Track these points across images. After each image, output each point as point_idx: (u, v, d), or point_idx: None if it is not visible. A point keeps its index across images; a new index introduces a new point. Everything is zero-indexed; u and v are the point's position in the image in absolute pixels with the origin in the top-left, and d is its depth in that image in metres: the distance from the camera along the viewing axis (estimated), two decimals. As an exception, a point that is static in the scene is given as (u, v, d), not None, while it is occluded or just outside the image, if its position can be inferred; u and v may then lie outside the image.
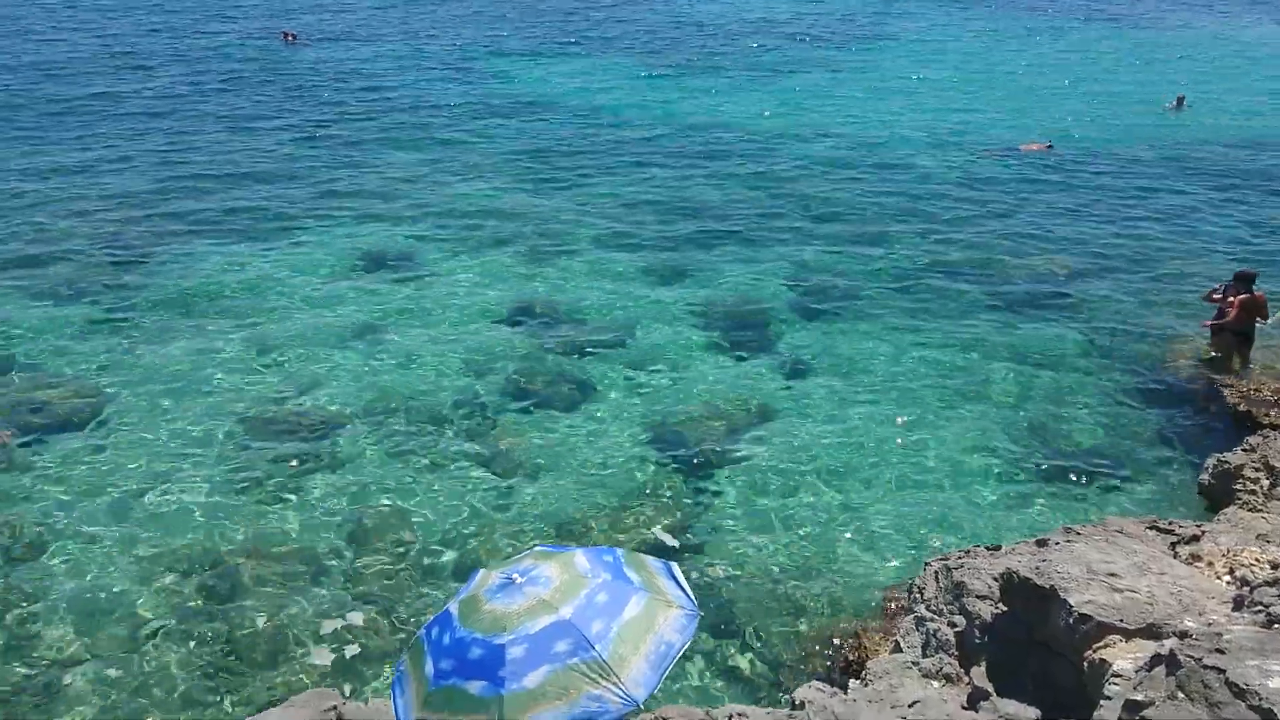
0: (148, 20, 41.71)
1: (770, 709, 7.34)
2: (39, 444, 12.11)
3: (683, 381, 13.79)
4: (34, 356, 14.16)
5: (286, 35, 37.69)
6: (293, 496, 11.23)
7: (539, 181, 22.20)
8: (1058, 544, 7.52)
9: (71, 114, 27.05)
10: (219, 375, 13.69)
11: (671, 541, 10.44)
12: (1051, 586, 6.72)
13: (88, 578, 9.95)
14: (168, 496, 11.17)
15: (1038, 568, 6.98)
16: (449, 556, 10.33)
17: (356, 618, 9.48)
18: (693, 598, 5.28)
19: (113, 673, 8.82)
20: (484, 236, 18.85)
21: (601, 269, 17.48)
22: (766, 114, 28.58)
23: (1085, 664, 6.37)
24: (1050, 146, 25.25)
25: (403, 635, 9.23)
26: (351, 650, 9.13)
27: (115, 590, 9.78)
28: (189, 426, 12.48)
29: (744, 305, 16.04)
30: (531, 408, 13.06)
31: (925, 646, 7.73)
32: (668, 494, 11.33)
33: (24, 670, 8.86)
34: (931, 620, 7.86)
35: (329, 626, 9.37)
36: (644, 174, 22.83)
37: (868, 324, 15.47)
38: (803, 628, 9.40)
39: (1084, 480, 11.71)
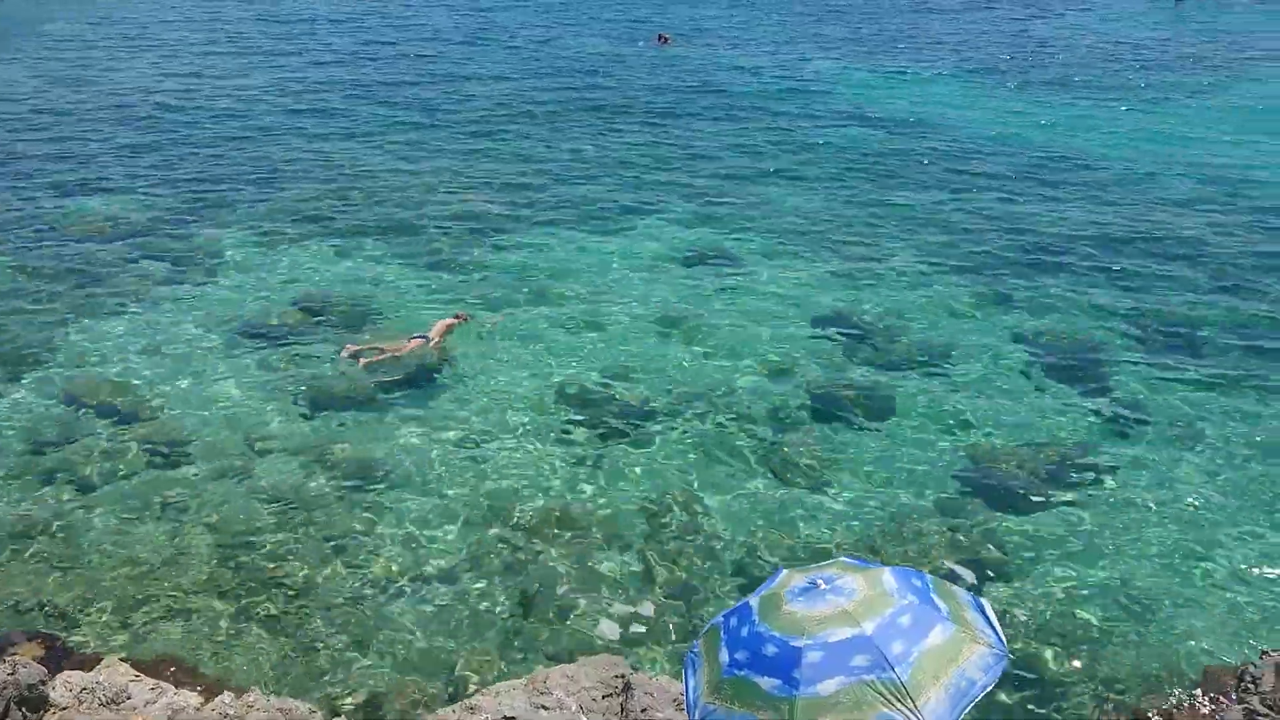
0: (531, 22, 45.28)
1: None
2: (384, 390, 13.49)
3: (997, 413, 13.11)
4: (392, 311, 15.80)
5: (661, 37, 39.80)
6: (600, 473, 11.81)
7: (865, 193, 21.90)
8: None
9: (450, 94, 29.96)
10: (547, 347, 14.66)
11: (968, 576, 10.00)
12: None
13: (413, 514, 11.00)
14: (488, 456, 12.09)
15: None
16: (739, 554, 10.45)
17: (645, 597, 9.84)
18: (1003, 637, 5.03)
19: (426, 609, 9.69)
20: (804, 242, 18.88)
21: (921, 286, 16.98)
22: (1120, 141, 26.49)
23: None
24: None
25: (686, 619, 9.48)
26: (635, 627, 9.48)
27: (435, 531, 10.74)
28: (513, 395, 13.43)
29: (1076, 343, 14.98)
30: (836, 419, 12.94)
31: (1255, 743, 6.92)
32: (970, 527, 10.85)
33: (345, 585, 9.94)
34: (1265, 716, 7.02)
35: (617, 600, 9.79)
36: (974, 192, 21.91)
37: (1219, 382, 13.89)
38: (1105, 694, 8.70)
39: None
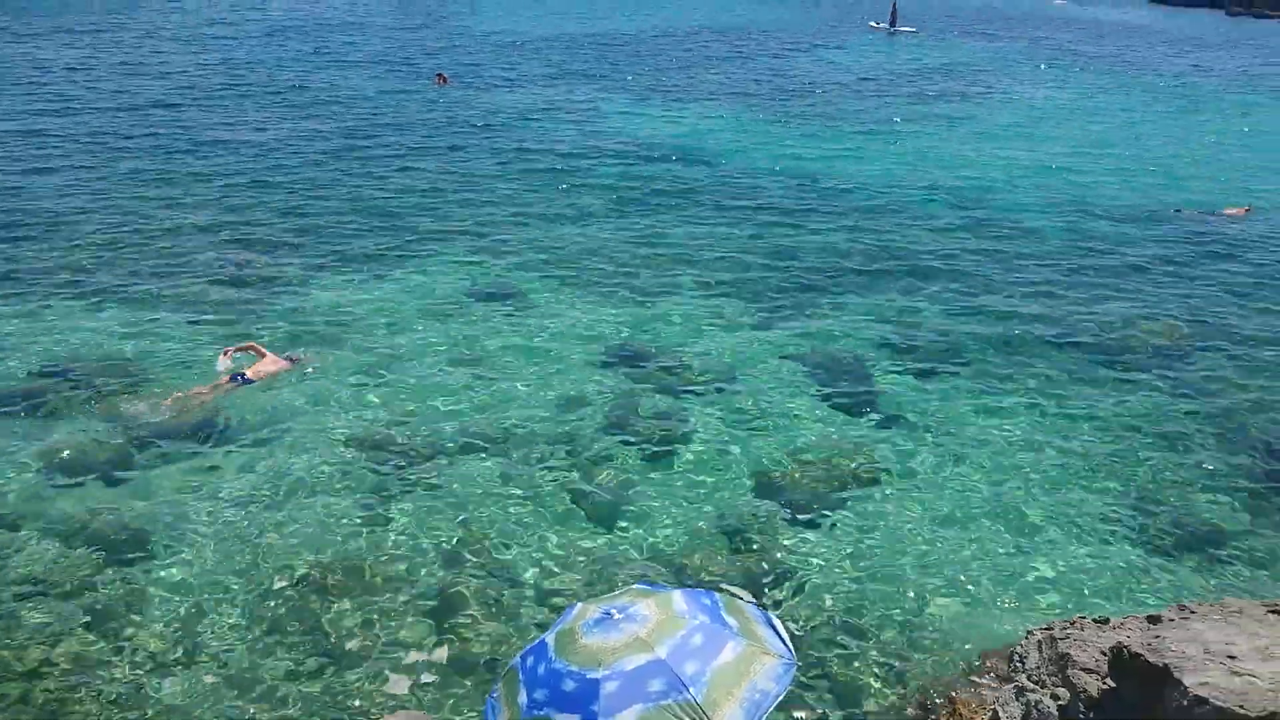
0: (307, 58, 43.88)
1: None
2: (158, 450, 12.62)
3: (780, 430, 13.67)
4: (155, 369, 14.78)
5: (439, 77, 39.52)
6: (391, 519, 11.44)
7: (644, 226, 22.45)
8: (1172, 621, 7.19)
9: (208, 144, 28.52)
10: (328, 396, 14.10)
11: (756, 591, 10.31)
12: (1165, 665, 6.41)
13: (191, 581, 10.27)
14: (273, 510, 11.50)
15: (1150, 644, 6.68)
16: (539, 588, 10.37)
17: (444, 643, 9.58)
18: (791, 648, 5.21)
19: (207, 678, 9.05)
20: (588, 275, 19.12)
21: (703, 313, 17.52)
22: (874, 164, 28.46)
23: (1200, 750, 6.05)
24: (1249, 210, 24.74)
25: (488, 663, 9.29)
26: (437, 673, 9.21)
27: (217, 596, 10.08)
28: (298, 445, 12.85)
29: (846, 358, 15.88)
30: (627, 448, 13.09)
31: (1025, 718, 7.45)
32: (756, 542, 11.19)
33: (117, 667, 9.15)
34: (1033, 691, 7.58)
35: (417, 648, 9.48)
36: (748, 221, 22.91)
37: (973, 383, 15.14)
38: (893, 688, 9.16)
39: (1198, 557, 11.21)
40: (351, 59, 44.36)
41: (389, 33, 53.68)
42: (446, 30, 55.68)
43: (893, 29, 62.95)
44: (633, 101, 37.38)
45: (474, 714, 8.49)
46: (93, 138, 28.72)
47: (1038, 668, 7.85)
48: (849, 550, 11.13)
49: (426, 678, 9.15)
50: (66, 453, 12.49)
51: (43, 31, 47.60)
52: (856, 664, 9.40)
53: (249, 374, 14.25)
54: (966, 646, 9.67)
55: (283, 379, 14.43)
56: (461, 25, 58.39)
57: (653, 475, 12.50)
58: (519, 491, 12.04)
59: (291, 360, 14.75)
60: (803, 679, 8.95)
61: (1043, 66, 49.54)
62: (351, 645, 9.47)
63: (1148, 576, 10.91)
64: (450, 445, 13.00)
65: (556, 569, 10.66)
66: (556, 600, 10.05)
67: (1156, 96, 42.18)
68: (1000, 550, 11.22)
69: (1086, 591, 10.61)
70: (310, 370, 14.75)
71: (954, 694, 8.82)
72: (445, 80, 39.54)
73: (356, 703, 8.83)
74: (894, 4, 66.10)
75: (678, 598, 5.31)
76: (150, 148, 27.88)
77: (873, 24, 65.41)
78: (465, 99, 36.70)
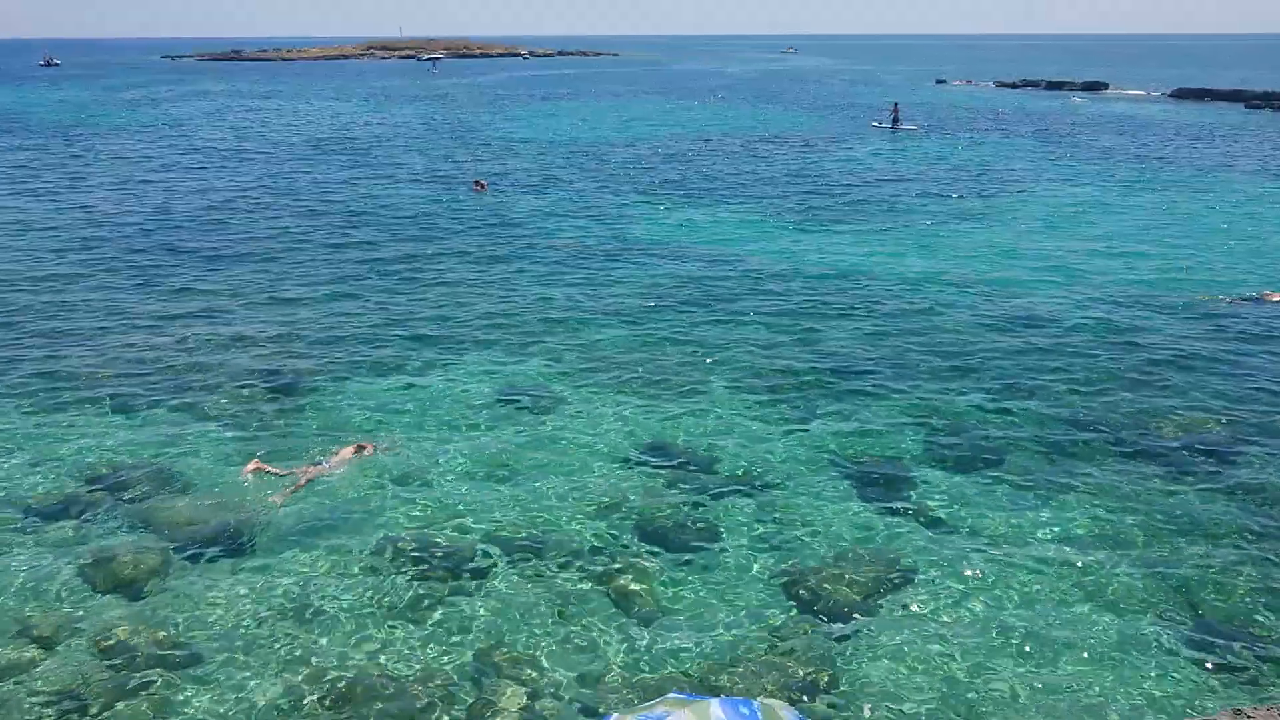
0: (347, 170, 45.27)
1: None
2: (196, 560, 12.65)
3: (816, 532, 13.48)
4: (192, 478, 14.92)
5: (477, 184, 40.79)
6: (422, 630, 11.33)
7: (673, 324, 22.66)
8: (1229, 730, 6.91)
9: (242, 255, 29.33)
10: (359, 506, 14.12)
11: (797, 699, 10.03)
12: (1224, 778, 6.13)
13: (223, 695, 10.18)
14: (305, 622, 11.43)
15: (1208, 755, 6.40)
16: (573, 700, 10.16)
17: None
18: (831, 761, 5.04)
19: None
20: (619, 376, 19.21)
21: (734, 414, 17.49)
22: (900, 261, 28.64)
23: None
24: None
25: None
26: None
27: (248, 711, 9.96)
28: (330, 555, 12.83)
29: (880, 455, 15.73)
30: (661, 552, 12.95)
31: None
32: (795, 647, 10.95)
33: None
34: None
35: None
36: (777, 320, 23.01)
37: (1013, 487, 14.78)
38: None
39: (1248, 658, 10.79)
40: (390, 171, 45.78)
41: (426, 143, 55.42)
42: (482, 140, 57.41)
43: (894, 128, 64.44)
44: (660, 204, 38.15)
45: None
46: (130, 251, 29.64)
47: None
48: (890, 659, 10.84)
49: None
50: (104, 561, 12.56)
51: (83, 152, 49.51)
52: (900, 777, 9.08)
53: (328, 463, 14.98)
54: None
55: (315, 483, 14.52)
56: (496, 134, 60.21)
57: (687, 581, 12.32)
58: (550, 600, 11.90)
59: (361, 449, 15.44)
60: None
61: (1065, 162, 50.06)
62: (382, 759, 9.29)
63: (1201, 682, 10.50)
64: (481, 553, 12.92)
65: (590, 679, 10.46)
66: (590, 712, 9.84)
67: (1185, 189, 42.34)
68: (1047, 660, 10.86)
69: (1139, 700, 10.23)
70: (344, 471, 14.93)
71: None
72: (484, 187, 40.72)
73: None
74: (895, 104, 68.02)
75: (714, 707, 5.20)
76: (185, 260, 28.71)
77: (874, 123, 67.01)
78: (501, 204, 37.67)
